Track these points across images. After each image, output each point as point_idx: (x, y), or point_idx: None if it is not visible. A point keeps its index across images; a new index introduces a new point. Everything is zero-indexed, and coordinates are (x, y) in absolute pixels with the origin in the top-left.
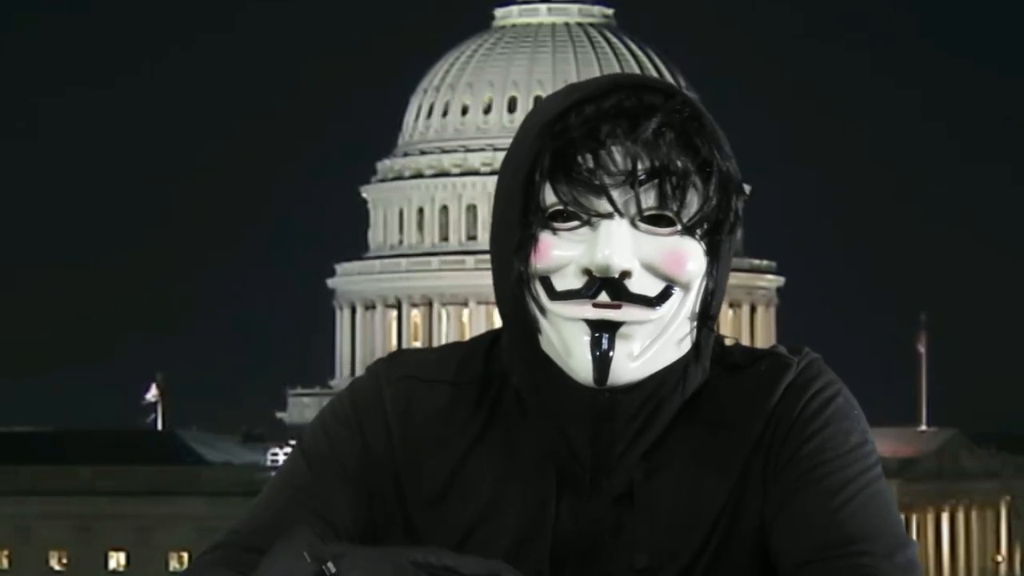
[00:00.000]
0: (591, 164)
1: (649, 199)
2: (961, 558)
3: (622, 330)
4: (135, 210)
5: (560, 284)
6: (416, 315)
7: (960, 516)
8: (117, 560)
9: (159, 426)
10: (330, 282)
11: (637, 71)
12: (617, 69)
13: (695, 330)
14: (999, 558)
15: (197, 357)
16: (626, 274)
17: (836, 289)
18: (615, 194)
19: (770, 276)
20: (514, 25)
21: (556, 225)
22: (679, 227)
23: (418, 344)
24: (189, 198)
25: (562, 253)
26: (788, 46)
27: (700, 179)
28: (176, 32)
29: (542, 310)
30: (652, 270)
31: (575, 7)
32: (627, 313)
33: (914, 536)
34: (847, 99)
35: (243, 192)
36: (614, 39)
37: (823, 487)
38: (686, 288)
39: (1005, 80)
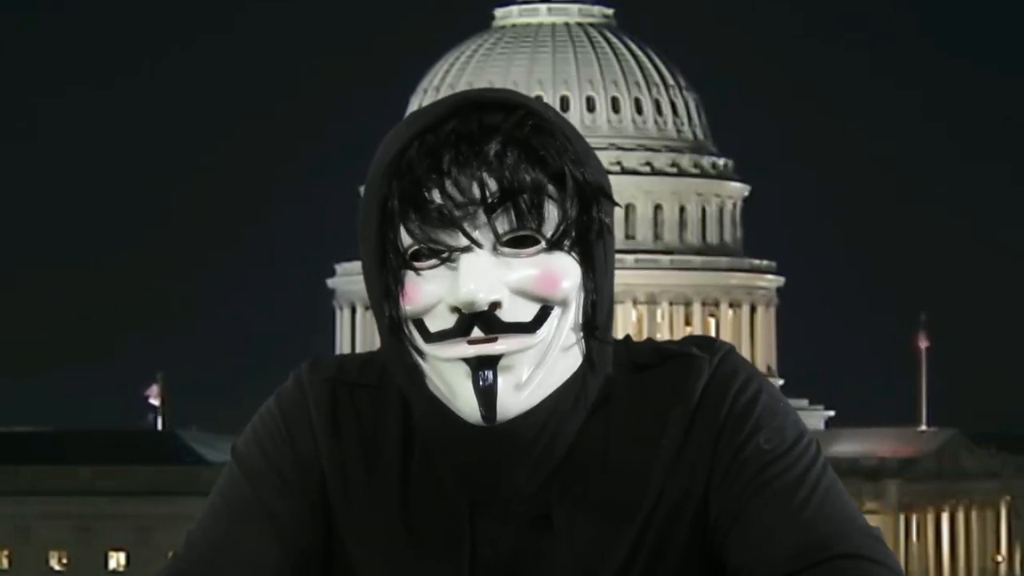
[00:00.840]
0: (438, 198)
1: (504, 223)
2: (961, 558)
3: (503, 362)
4: (135, 210)
5: (433, 325)
6: None
7: (960, 516)
8: (117, 560)
9: (159, 426)
10: (330, 282)
11: (637, 71)
12: (617, 69)
13: (583, 340)
14: (999, 558)
15: (197, 357)
16: (496, 304)
17: (836, 289)
18: (467, 225)
19: (770, 276)
20: (514, 25)
21: (418, 265)
22: (543, 244)
23: None
24: (189, 198)
25: (428, 293)
26: (788, 46)
27: (556, 189)
28: (176, 32)
29: (420, 353)
30: (524, 294)
31: (575, 7)
32: (505, 344)
33: (914, 536)
34: (847, 99)
35: (243, 192)
36: (614, 39)
37: (775, 491)
38: (563, 304)
39: (1005, 80)
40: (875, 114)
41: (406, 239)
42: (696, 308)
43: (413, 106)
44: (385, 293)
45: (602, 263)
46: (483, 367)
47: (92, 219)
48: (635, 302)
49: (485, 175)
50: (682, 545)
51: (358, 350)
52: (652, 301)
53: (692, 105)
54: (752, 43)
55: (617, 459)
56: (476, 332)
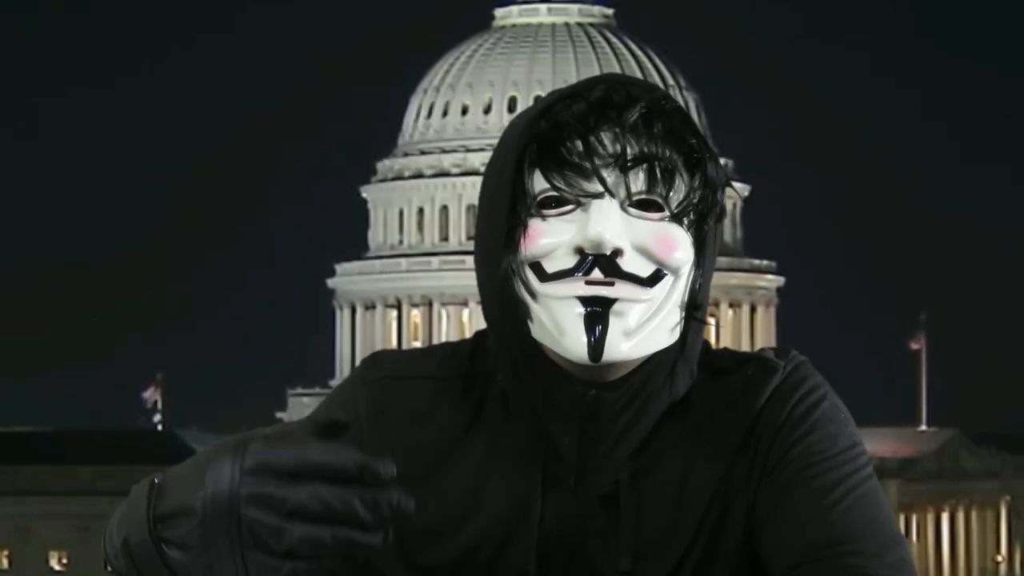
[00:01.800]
0: (581, 148)
1: (638, 183)
2: (961, 558)
3: (616, 307)
4: (135, 210)
5: (551, 266)
6: (416, 315)
7: (960, 516)
8: None
9: (159, 426)
10: (330, 282)
11: (637, 71)
12: (617, 69)
13: (683, 320)
14: (999, 558)
15: (197, 357)
16: (618, 252)
17: (836, 289)
18: (605, 174)
19: (770, 276)
20: (514, 25)
21: (545, 212)
22: (667, 213)
23: (418, 344)
24: (189, 198)
25: (552, 239)
26: (788, 46)
27: (686, 170)
28: (176, 32)
29: (533, 295)
30: (643, 252)
31: (575, 7)
32: (620, 290)
33: (914, 536)
34: (847, 99)
35: (243, 192)
36: (614, 39)
37: (812, 489)
38: (675, 274)
39: (1005, 80)
40: (875, 114)
41: (539, 184)
42: None
43: (413, 106)
44: (508, 238)
45: (712, 249)
46: (596, 307)
47: (92, 219)
48: None
49: (628, 136)
50: (734, 539)
51: (358, 350)
52: None
53: (692, 105)
54: (752, 43)
55: (689, 451)
56: (596, 273)
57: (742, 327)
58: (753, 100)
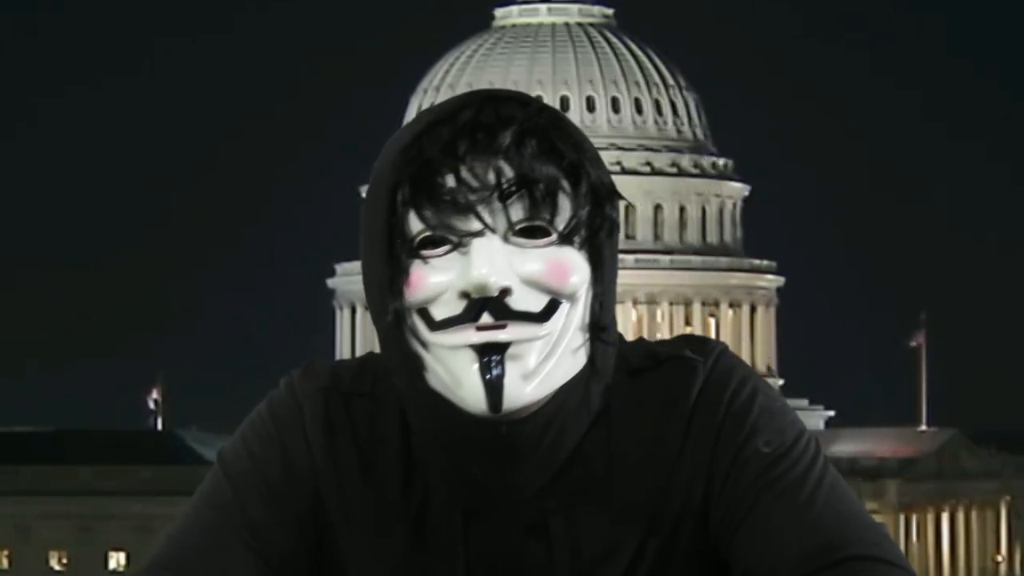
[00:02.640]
0: (452, 183)
1: (518, 211)
2: (961, 558)
3: (511, 350)
4: (135, 210)
5: (439, 313)
6: None
7: (960, 516)
8: (117, 560)
9: (159, 426)
10: (330, 282)
11: (637, 71)
12: (617, 69)
13: (588, 342)
14: (999, 558)
15: (197, 357)
16: (506, 291)
17: (836, 289)
18: (482, 210)
19: (770, 276)
20: (514, 25)
21: (426, 254)
22: (555, 237)
23: None
24: (189, 198)
25: (436, 281)
26: (788, 46)
27: (569, 185)
28: (176, 32)
29: (423, 344)
30: (534, 284)
31: (575, 7)
32: (513, 332)
33: (914, 536)
34: (847, 99)
35: (243, 192)
36: (614, 39)
37: (779, 491)
38: (572, 300)
39: (1005, 80)
40: (875, 114)
41: (416, 226)
42: (696, 308)
43: (413, 106)
44: (390, 283)
45: (610, 263)
46: (491, 354)
47: (92, 219)
48: (635, 302)
49: (502, 162)
50: (684, 551)
51: (358, 350)
52: (652, 301)
53: (692, 105)
54: (752, 43)
55: (617, 469)
56: (485, 318)
57: (742, 327)
58: (753, 100)
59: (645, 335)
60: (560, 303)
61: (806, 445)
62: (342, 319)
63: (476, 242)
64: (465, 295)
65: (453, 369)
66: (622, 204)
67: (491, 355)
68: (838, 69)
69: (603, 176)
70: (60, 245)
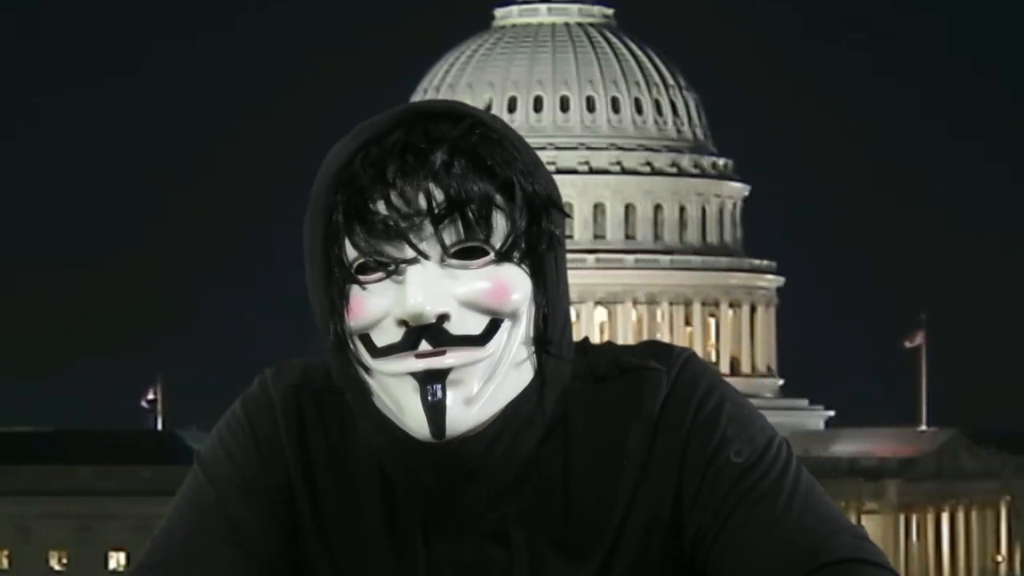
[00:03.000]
0: (383, 209)
1: (451, 234)
2: (961, 558)
3: (452, 376)
4: (135, 210)
5: (380, 340)
6: None
7: (960, 516)
8: (117, 560)
9: (159, 426)
10: None
11: (637, 71)
12: (617, 69)
13: (535, 355)
14: (999, 558)
15: (197, 357)
16: (444, 317)
17: (836, 289)
18: (413, 237)
19: (770, 276)
20: (514, 25)
21: (363, 279)
22: (492, 256)
23: None
24: (189, 198)
25: (375, 307)
26: (788, 46)
27: (504, 200)
28: (176, 32)
29: (367, 369)
30: (473, 306)
31: (575, 7)
32: (453, 357)
33: (914, 536)
34: (847, 99)
35: (243, 192)
36: (614, 39)
37: (754, 501)
38: (513, 317)
39: (1005, 80)
40: (875, 114)
41: (351, 252)
42: (696, 308)
43: None
44: (331, 309)
45: (553, 276)
46: (431, 381)
47: (92, 219)
48: (635, 302)
49: (432, 185)
50: (657, 563)
51: None
52: (652, 301)
53: (692, 105)
54: (752, 43)
55: (578, 478)
56: (424, 346)
57: (742, 327)
58: (753, 100)
59: (645, 335)
60: (501, 322)
61: (777, 451)
62: None
63: (410, 270)
64: (403, 322)
65: (395, 396)
66: (569, 215)
67: (432, 382)
68: (838, 69)
69: (539, 187)
70: (60, 245)
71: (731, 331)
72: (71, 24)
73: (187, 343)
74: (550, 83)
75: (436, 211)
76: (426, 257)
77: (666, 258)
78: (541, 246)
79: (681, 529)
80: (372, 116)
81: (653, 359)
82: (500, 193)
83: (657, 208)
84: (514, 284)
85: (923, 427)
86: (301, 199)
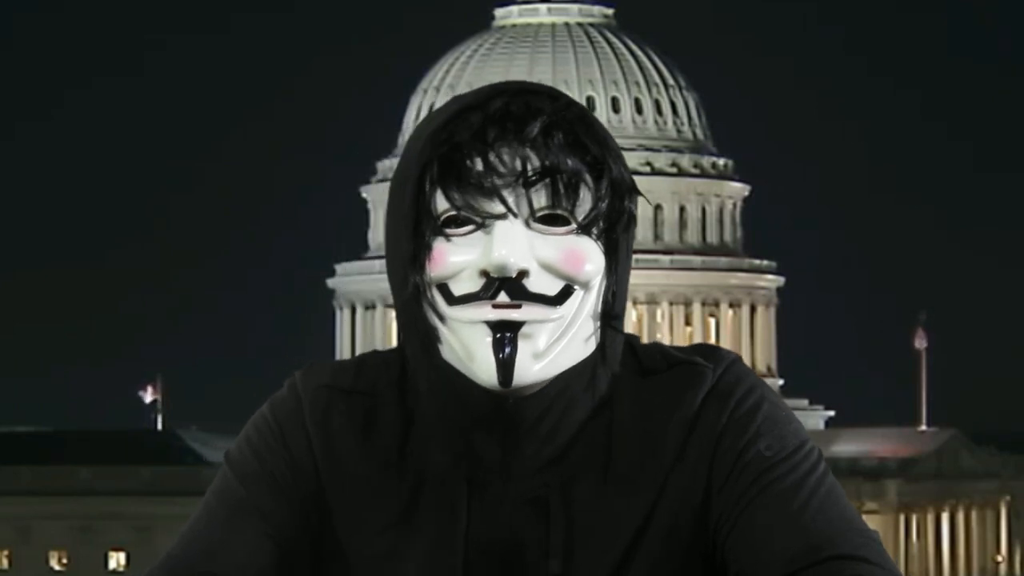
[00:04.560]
0: (480, 167)
1: (541, 199)
2: (961, 558)
3: (524, 329)
4: (136, 210)
5: (458, 289)
6: None
7: (960, 516)
8: (117, 560)
9: (159, 426)
10: (330, 282)
11: (637, 71)
12: (617, 69)
13: (599, 330)
14: (999, 558)
15: (197, 357)
16: (524, 273)
17: (836, 289)
18: (507, 194)
19: (770, 276)
20: (514, 25)
21: (449, 232)
22: (574, 226)
23: None
24: (189, 198)
25: (458, 259)
26: (788, 46)
27: (592, 178)
28: (176, 32)
29: (441, 317)
30: (550, 269)
31: (575, 7)
32: (528, 312)
33: (914, 536)
34: (847, 99)
35: (243, 192)
36: (614, 39)
37: (774, 495)
38: (586, 287)
39: (1005, 80)
40: (875, 114)
41: (442, 204)
42: (696, 308)
43: (413, 106)
44: (412, 258)
45: (625, 256)
46: (504, 331)
47: (92, 219)
48: (635, 302)
49: (528, 151)
50: (682, 549)
51: (358, 350)
52: (652, 301)
53: (692, 105)
54: (752, 43)
55: (618, 458)
56: (502, 297)
57: (742, 327)
58: (753, 100)
59: (645, 335)
60: (574, 289)
61: (807, 453)
62: (342, 319)
63: (499, 224)
64: (484, 274)
65: (467, 343)
66: (648, 200)
67: (505, 332)
68: (838, 69)
69: (624, 173)
70: (60, 245)
71: (731, 331)
72: (71, 24)
73: (187, 343)
74: (550, 83)
75: (529, 175)
76: (515, 215)
77: (666, 258)
78: (619, 226)
79: (707, 516)
80: (374, 115)
81: (700, 357)
82: (589, 171)
83: (657, 208)
84: (589, 256)
85: (923, 427)
86: (301, 199)
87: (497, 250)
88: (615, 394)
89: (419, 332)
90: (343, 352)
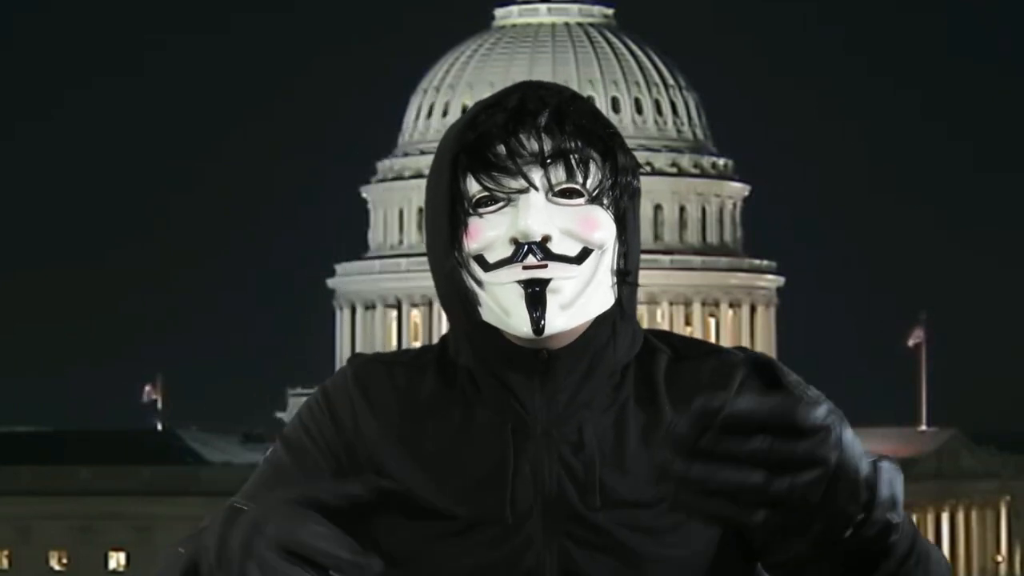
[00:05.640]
0: (504, 151)
1: (559, 174)
2: (961, 558)
3: (552, 285)
4: (136, 210)
5: (492, 257)
6: (416, 315)
7: (960, 516)
8: (117, 560)
9: (159, 426)
10: (330, 282)
11: (637, 71)
12: (617, 69)
13: (616, 285)
14: (999, 558)
15: (197, 357)
16: (547, 238)
17: (836, 289)
18: (529, 171)
19: (770, 276)
20: (514, 25)
21: (481, 210)
22: (587, 198)
23: (418, 344)
24: (189, 198)
25: (490, 233)
26: (788, 46)
27: (600, 158)
28: (176, 32)
29: (479, 283)
30: (570, 235)
31: (575, 7)
32: (553, 270)
33: None
34: (847, 99)
35: (243, 191)
36: (614, 39)
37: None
38: (601, 248)
39: (1005, 80)
40: (875, 114)
41: (473, 187)
42: (696, 308)
43: (413, 106)
44: (451, 236)
45: (632, 223)
46: (535, 286)
47: (92, 219)
48: None
49: (544, 137)
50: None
51: (358, 350)
52: (652, 301)
53: (692, 105)
54: (752, 43)
55: (657, 420)
56: (530, 259)
57: (742, 327)
58: (753, 100)
59: None
60: (592, 250)
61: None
62: (342, 319)
63: (523, 198)
64: (514, 241)
65: (503, 302)
66: (652, 204)
67: (535, 288)
68: (838, 69)
69: (627, 156)
70: (60, 245)
71: (731, 331)
72: (70, 24)
73: (187, 343)
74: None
75: (546, 155)
76: (536, 189)
77: (666, 258)
78: (624, 197)
79: None
80: (374, 115)
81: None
82: (597, 152)
83: (657, 208)
84: (601, 223)
85: (923, 427)
86: (301, 199)
87: (523, 219)
88: (645, 364)
89: (460, 299)
90: (343, 352)
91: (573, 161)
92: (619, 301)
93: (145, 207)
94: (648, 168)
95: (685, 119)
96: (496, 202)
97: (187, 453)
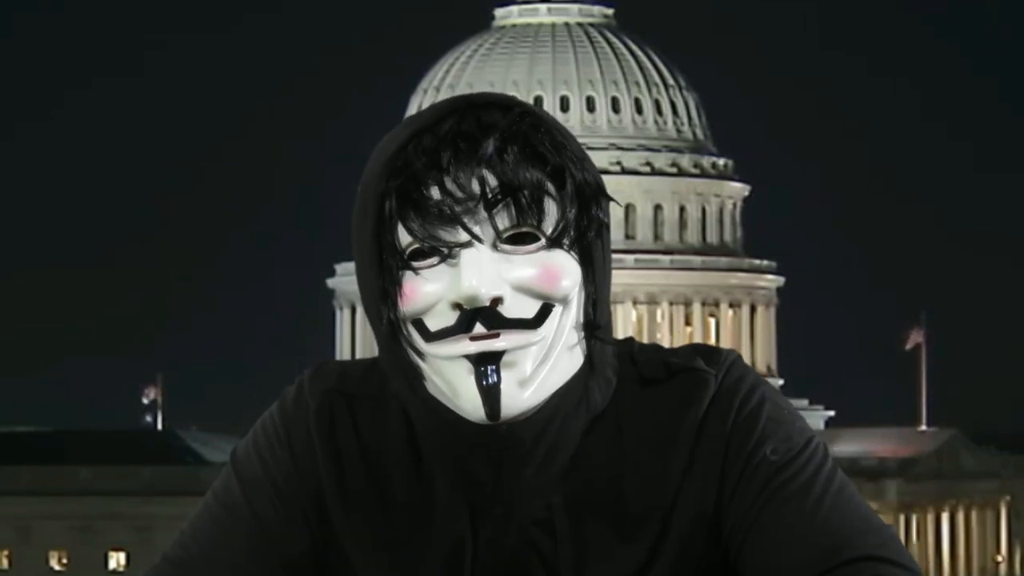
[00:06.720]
0: (437, 195)
1: (504, 219)
2: (961, 558)
3: (505, 358)
4: (136, 210)
5: (433, 324)
6: None
7: (960, 516)
8: (117, 560)
9: (159, 426)
10: (330, 282)
11: (637, 71)
12: (617, 69)
13: (584, 340)
14: (999, 558)
15: (197, 357)
16: (498, 300)
17: (836, 289)
18: (468, 220)
19: (770, 276)
20: (514, 25)
21: (416, 265)
22: (543, 241)
23: None
24: (189, 198)
25: (428, 292)
26: (788, 46)
27: (555, 188)
28: (176, 32)
29: (420, 354)
30: (525, 291)
31: (575, 7)
32: (507, 340)
33: (914, 536)
34: (847, 99)
35: (243, 192)
36: (614, 39)
37: (785, 498)
38: (564, 303)
39: (1005, 79)
40: (875, 114)
41: (404, 238)
42: (696, 308)
43: (413, 106)
44: (383, 295)
45: (601, 263)
46: (486, 363)
47: (92, 219)
48: (635, 302)
49: (485, 172)
50: (696, 557)
51: (358, 351)
52: (652, 301)
53: (692, 105)
54: (752, 43)
55: (625, 470)
56: (478, 328)
57: (742, 327)
58: (753, 100)
59: (645, 335)
60: (553, 307)
61: (813, 451)
62: (342, 319)
63: (464, 253)
64: (457, 306)
65: (450, 379)
66: (618, 202)
67: (486, 364)
68: (838, 69)
69: (588, 176)
70: (60, 245)
71: (731, 331)
72: (70, 25)
73: (187, 343)
74: (550, 83)
75: (489, 196)
76: (480, 241)
77: (666, 258)
78: (590, 233)
79: (720, 524)
80: (374, 115)
81: (701, 361)
82: (551, 180)
83: (657, 208)
84: (564, 270)
85: (923, 427)
86: (301, 199)
87: (466, 280)
88: (616, 406)
89: (401, 368)
90: (343, 352)
91: (523, 199)
92: (589, 359)
93: (145, 207)
94: (648, 168)
95: (685, 119)
96: (433, 255)
97: (187, 453)
